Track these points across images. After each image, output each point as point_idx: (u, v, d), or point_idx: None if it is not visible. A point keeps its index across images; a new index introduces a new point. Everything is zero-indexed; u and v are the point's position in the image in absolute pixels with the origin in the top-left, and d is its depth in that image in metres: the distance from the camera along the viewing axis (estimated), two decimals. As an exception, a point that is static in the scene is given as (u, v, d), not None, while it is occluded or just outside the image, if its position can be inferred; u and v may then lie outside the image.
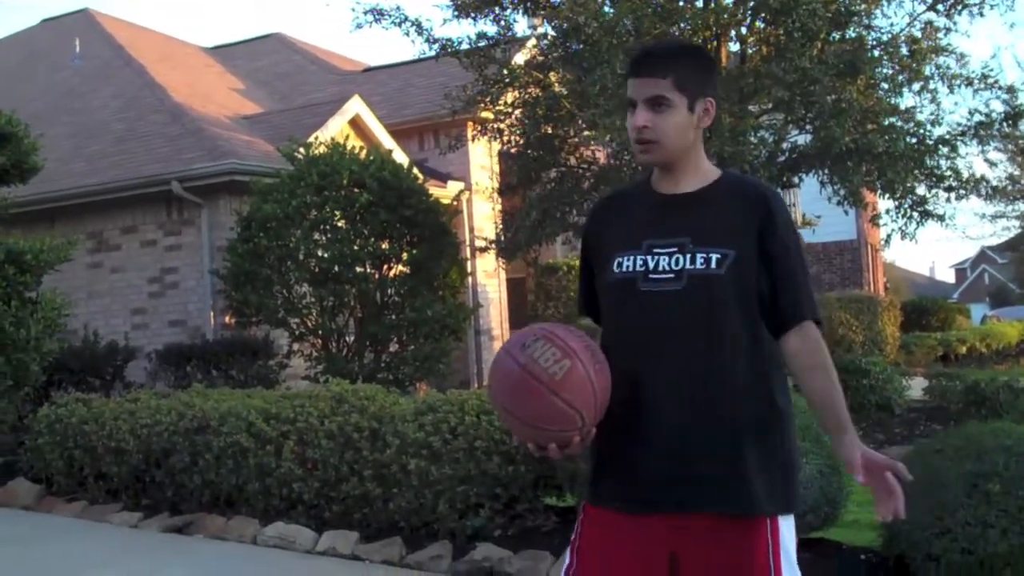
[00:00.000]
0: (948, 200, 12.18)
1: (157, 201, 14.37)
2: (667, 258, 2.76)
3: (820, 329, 2.81)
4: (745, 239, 2.73)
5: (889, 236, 12.47)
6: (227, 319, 13.35)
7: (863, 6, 11.91)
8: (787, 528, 2.74)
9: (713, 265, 2.71)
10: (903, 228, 12.14)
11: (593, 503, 2.87)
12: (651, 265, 2.78)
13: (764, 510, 2.71)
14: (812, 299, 2.78)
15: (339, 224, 11.81)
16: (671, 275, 2.75)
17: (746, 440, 2.70)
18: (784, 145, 12.38)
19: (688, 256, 2.74)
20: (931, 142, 11.75)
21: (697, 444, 2.69)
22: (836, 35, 12.06)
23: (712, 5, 11.99)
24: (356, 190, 11.73)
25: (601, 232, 2.98)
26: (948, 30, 12.25)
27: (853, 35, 12.08)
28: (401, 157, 14.23)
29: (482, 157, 17.54)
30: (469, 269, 14.45)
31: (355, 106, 15.85)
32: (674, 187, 2.87)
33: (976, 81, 12.26)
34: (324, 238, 11.81)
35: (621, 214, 2.96)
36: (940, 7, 12.27)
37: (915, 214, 12.03)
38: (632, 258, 2.81)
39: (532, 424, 2.65)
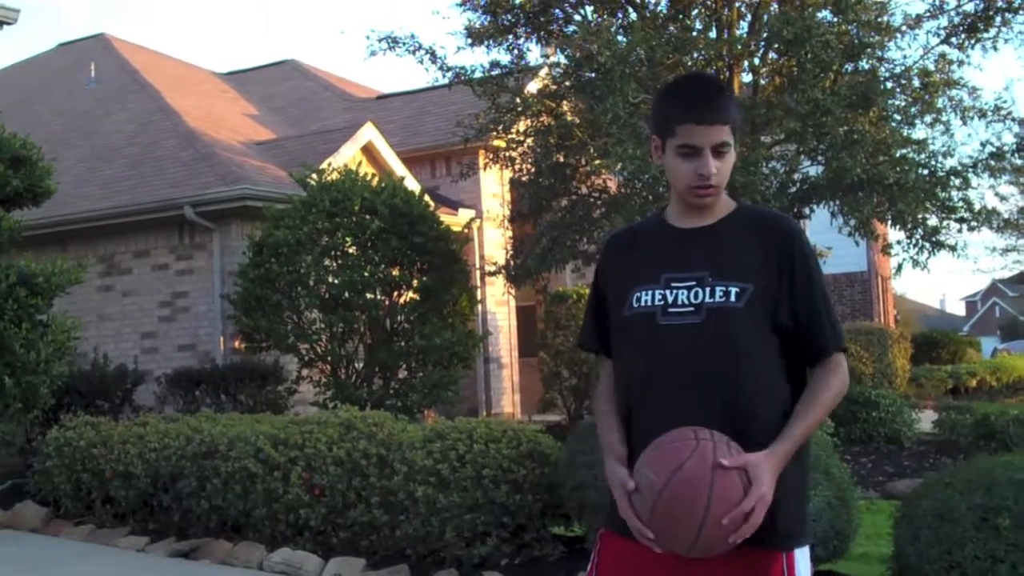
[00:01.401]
0: (960, 231, 12.17)
1: (169, 225, 14.41)
2: (686, 291, 2.75)
3: (843, 356, 2.80)
4: (765, 272, 2.72)
5: (900, 265, 12.45)
6: (237, 344, 13.36)
7: (876, 38, 11.94)
8: (803, 560, 2.72)
9: (732, 299, 2.70)
10: (915, 257, 12.12)
11: (611, 530, 2.86)
12: (670, 299, 2.76)
13: (781, 544, 2.69)
14: (836, 330, 2.77)
15: (350, 250, 11.83)
16: (691, 308, 2.73)
17: (787, 483, 2.68)
18: (795, 176, 12.39)
19: (707, 290, 2.73)
20: (943, 174, 11.74)
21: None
22: (849, 67, 12.09)
23: (725, 36, 12.04)
24: (368, 217, 11.75)
25: (616, 266, 2.97)
26: (961, 63, 12.28)
27: (866, 67, 12.11)
28: (413, 184, 14.26)
29: (494, 185, 17.57)
30: (479, 297, 14.46)
31: (368, 133, 15.90)
32: (692, 221, 2.86)
33: (989, 113, 12.28)
34: (335, 264, 11.83)
35: (637, 248, 2.95)
36: (953, 40, 12.31)
37: (927, 244, 12.02)
38: (651, 292, 2.80)
39: (693, 541, 2.57)
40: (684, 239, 2.84)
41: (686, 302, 2.74)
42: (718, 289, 2.71)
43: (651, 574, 2.76)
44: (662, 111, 2.86)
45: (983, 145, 12.08)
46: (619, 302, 2.88)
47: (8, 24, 12.41)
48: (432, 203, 12.88)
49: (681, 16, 12.79)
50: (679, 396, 2.72)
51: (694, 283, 2.74)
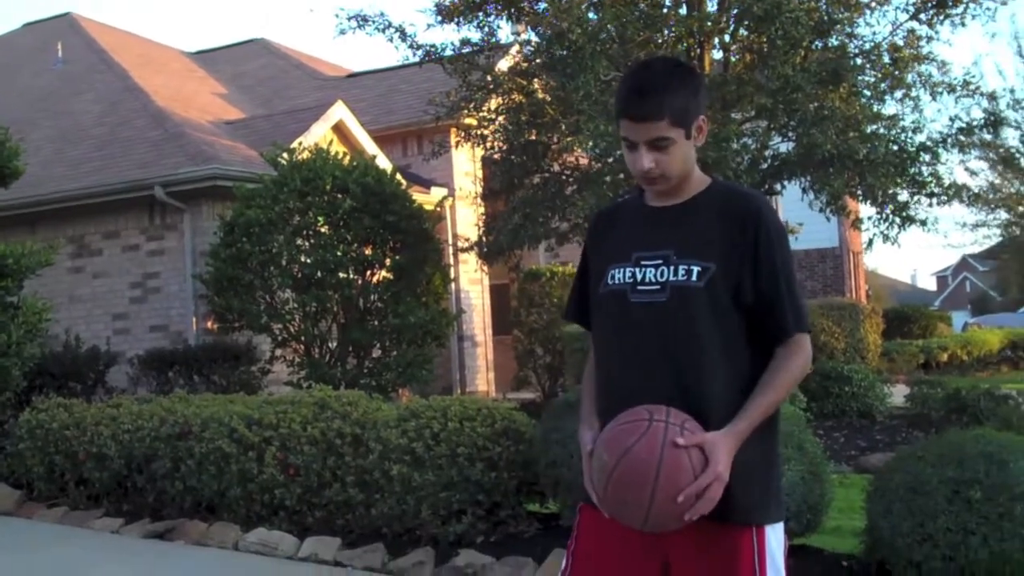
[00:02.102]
0: (930, 206, 12.24)
1: (139, 206, 14.33)
2: (653, 270, 2.78)
3: (807, 337, 2.81)
4: (730, 252, 2.74)
5: (871, 240, 12.52)
6: (209, 324, 13.32)
7: (846, 15, 11.96)
8: (774, 536, 2.75)
9: (693, 278, 2.73)
10: (885, 232, 12.18)
11: (589, 503, 2.88)
12: (639, 277, 2.80)
13: (747, 520, 2.72)
14: (798, 311, 2.77)
15: (322, 230, 11.79)
16: (657, 287, 2.77)
17: (756, 459, 2.73)
18: (766, 152, 12.42)
19: (672, 268, 2.76)
20: (913, 149, 11.80)
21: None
22: (819, 43, 12.13)
23: (696, 12, 12.03)
24: (339, 196, 11.71)
25: (597, 243, 3.02)
26: (930, 39, 12.33)
27: (836, 43, 12.14)
28: (385, 163, 14.20)
29: (466, 163, 17.55)
30: (452, 275, 14.45)
31: (339, 112, 15.83)
32: (665, 199, 2.88)
33: (958, 88, 12.35)
34: (307, 244, 11.79)
35: (614, 227, 2.99)
36: (922, 16, 12.35)
37: (897, 219, 12.08)
38: (623, 270, 2.84)
39: (643, 517, 2.63)
40: (655, 218, 2.88)
41: (653, 280, 2.78)
42: (681, 267, 2.75)
43: (628, 547, 2.81)
44: (615, 104, 2.89)
45: (952, 120, 12.15)
46: (597, 279, 2.94)
47: None
48: (404, 182, 12.84)
49: (652, -7, 12.77)
50: (645, 373, 2.77)
51: (661, 261, 2.78)
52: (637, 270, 2.81)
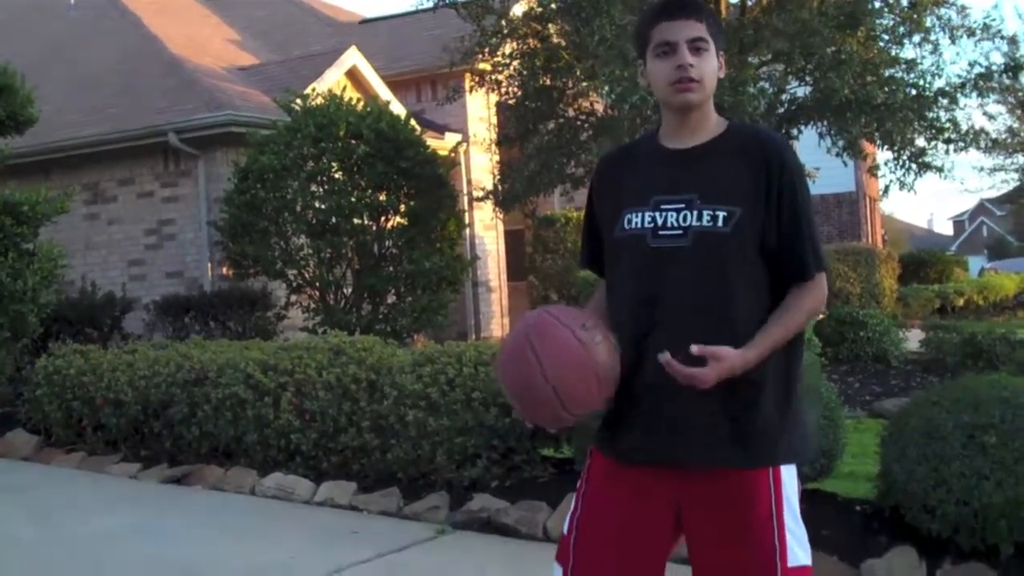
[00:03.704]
0: (947, 152, 12.16)
1: (154, 153, 14.33)
2: (675, 214, 2.74)
3: (824, 275, 2.82)
4: (753, 196, 2.70)
5: (888, 187, 12.48)
6: (224, 271, 13.35)
7: (863, -43, 11.83)
8: (789, 478, 2.74)
9: (720, 223, 2.69)
10: (901, 179, 12.13)
11: (599, 449, 2.89)
12: (659, 221, 2.75)
13: (764, 462, 2.71)
14: (818, 251, 2.75)
15: (336, 176, 11.77)
16: (679, 231, 2.72)
17: (747, 394, 2.69)
18: (783, 96, 12.33)
19: (695, 213, 2.71)
20: (931, 94, 11.70)
21: (696, 398, 2.65)
22: (837, -14, 11.99)
23: (712, -45, 11.91)
24: (353, 142, 11.68)
25: (608, 187, 2.96)
26: (950, -19, 12.19)
27: (854, -14, 12.00)
28: (398, 109, 14.15)
29: (480, 109, 17.47)
30: (467, 221, 14.43)
31: (352, 57, 15.76)
32: (683, 141, 2.83)
33: (978, 31, 12.22)
34: (321, 190, 11.78)
35: (629, 169, 2.93)
36: (942, -42, 12.20)
37: (913, 165, 12.01)
38: (641, 214, 2.79)
39: (559, 404, 2.65)
40: (675, 160, 2.82)
41: (675, 224, 2.73)
42: (705, 213, 2.70)
43: (638, 492, 2.80)
44: (640, 28, 2.87)
45: (971, 65, 12.04)
46: (611, 223, 2.88)
47: None
48: (418, 127, 12.80)
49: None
50: (665, 316, 2.73)
51: (683, 205, 2.73)
52: (657, 214, 2.76)
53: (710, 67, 2.77)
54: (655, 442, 2.74)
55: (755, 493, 2.70)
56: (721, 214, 2.69)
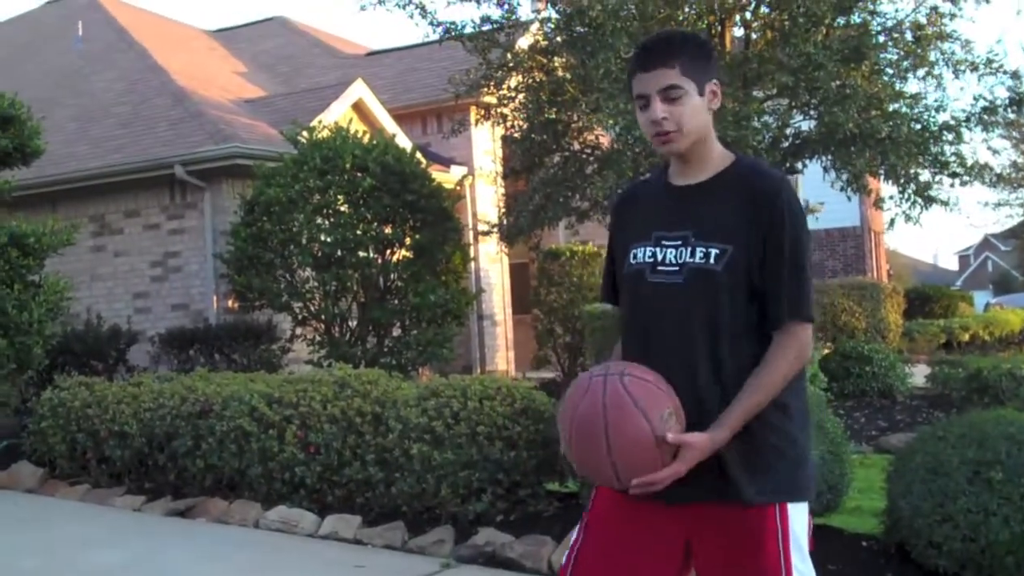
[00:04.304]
0: (952, 186, 12.17)
1: (160, 184, 14.36)
2: (673, 250, 2.78)
3: (807, 326, 2.76)
4: (748, 235, 2.71)
5: (893, 220, 12.46)
6: (230, 303, 13.36)
7: (868, -9, 11.87)
8: (797, 515, 2.75)
9: (711, 260, 2.71)
10: (907, 212, 12.13)
11: None
12: (659, 257, 2.80)
13: (770, 498, 2.72)
14: (797, 300, 2.72)
15: (342, 208, 11.80)
16: (675, 268, 2.77)
17: (754, 432, 2.71)
18: (788, 130, 12.35)
19: (690, 249, 2.75)
20: (935, 128, 11.72)
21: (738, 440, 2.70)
22: (841, 20, 12.04)
23: (716, -10, 11.95)
24: (359, 174, 11.72)
25: (621, 223, 3.01)
26: (953, 16, 12.21)
27: (858, 20, 12.06)
28: (404, 141, 14.20)
29: (485, 142, 17.52)
30: (472, 254, 14.44)
31: (358, 90, 15.82)
32: (686, 177, 2.86)
33: (981, 66, 12.24)
34: (327, 222, 11.80)
35: (637, 206, 2.98)
36: (946, -7, 12.23)
37: (919, 199, 12.02)
38: (644, 249, 2.84)
39: (616, 479, 2.68)
40: (677, 196, 2.86)
41: (672, 261, 2.77)
42: (699, 250, 2.73)
43: (646, 527, 2.81)
44: (627, 77, 2.96)
45: (976, 99, 12.05)
46: (621, 258, 2.94)
47: None
48: (424, 160, 12.84)
49: (673, -30, 12.70)
50: (657, 355, 2.77)
51: (680, 242, 2.77)
52: (658, 250, 2.81)
53: (688, 111, 2.77)
54: None
55: (763, 531, 2.71)
56: (714, 251, 2.72)
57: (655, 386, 2.66)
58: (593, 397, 2.63)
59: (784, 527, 2.71)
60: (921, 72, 12.33)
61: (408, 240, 12.11)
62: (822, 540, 5.83)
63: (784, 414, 2.76)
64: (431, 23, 13.18)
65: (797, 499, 2.77)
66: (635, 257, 2.86)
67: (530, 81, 13.21)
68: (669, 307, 2.76)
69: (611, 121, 11.13)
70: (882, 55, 12.10)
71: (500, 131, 15.16)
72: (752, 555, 2.70)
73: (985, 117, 11.96)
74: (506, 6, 13.02)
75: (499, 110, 13.65)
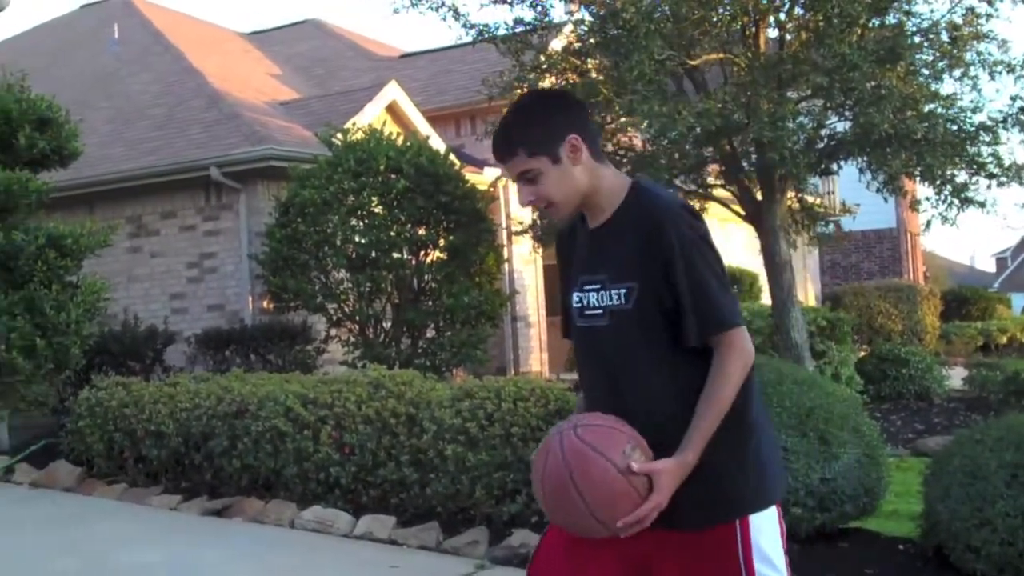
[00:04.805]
0: (989, 187, 12.07)
1: (196, 186, 14.44)
2: (595, 295, 2.84)
3: (735, 333, 2.72)
4: (646, 268, 2.73)
5: (929, 222, 12.38)
6: (265, 304, 13.42)
7: (904, -8, 11.80)
8: (762, 523, 2.74)
9: (623, 300, 2.76)
10: (943, 214, 12.04)
11: None
12: (584, 302, 2.87)
13: (724, 518, 2.72)
14: (711, 312, 2.70)
15: (376, 210, 11.83)
16: (600, 311, 2.82)
17: (724, 458, 2.72)
18: (823, 132, 12.30)
19: (607, 293, 2.80)
20: (971, 129, 11.64)
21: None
22: (876, 21, 11.96)
23: (751, -9, 11.91)
24: (393, 176, 11.75)
25: (562, 264, 3.08)
26: (989, 16, 12.12)
27: (893, 21, 11.97)
28: (438, 143, 14.22)
29: (519, 143, 17.49)
30: (506, 255, 14.45)
31: (392, 92, 15.86)
32: (595, 220, 2.90)
33: (1018, 67, 12.13)
34: (361, 224, 11.83)
35: (571, 250, 3.02)
36: (982, -7, 12.14)
37: (955, 200, 11.93)
38: (576, 295, 2.91)
39: (602, 527, 2.68)
40: (591, 240, 2.91)
41: (595, 304, 2.83)
42: (613, 292, 2.78)
43: (598, 549, 2.82)
44: None
45: (1013, 100, 11.94)
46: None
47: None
48: (457, 162, 12.85)
49: (707, -30, 12.67)
50: (602, 390, 2.84)
51: (599, 286, 2.82)
52: (583, 295, 2.87)
53: (551, 184, 2.81)
54: None
55: (721, 550, 2.72)
56: (623, 291, 2.76)
57: (609, 428, 2.69)
58: (554, 456, 2.67)
59: (745, 541, 2.71)
60: (957, 73, 12.24)
61: (442, 241, 12.14)
62: (858, 544, 5.82)
63: (735, 424, 2.73)
64: (464, 25, 13.19)
65: (758, 508, 2.75)
66: (572, 302, 2.93)
67: (563, 83, 13.19)
68: (601, 348, 2.82)
69: (645, 123, 11.11)
70: (917, 56, 12.02)
71: (534, 132, 15.15)
72: (713, 574, 2.72)
73: (1022, 118, 11.87)
74: (539, 8, 13.02)
75: (532, 112, 13.63)
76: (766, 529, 2.74)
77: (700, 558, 2.72)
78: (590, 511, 2.62)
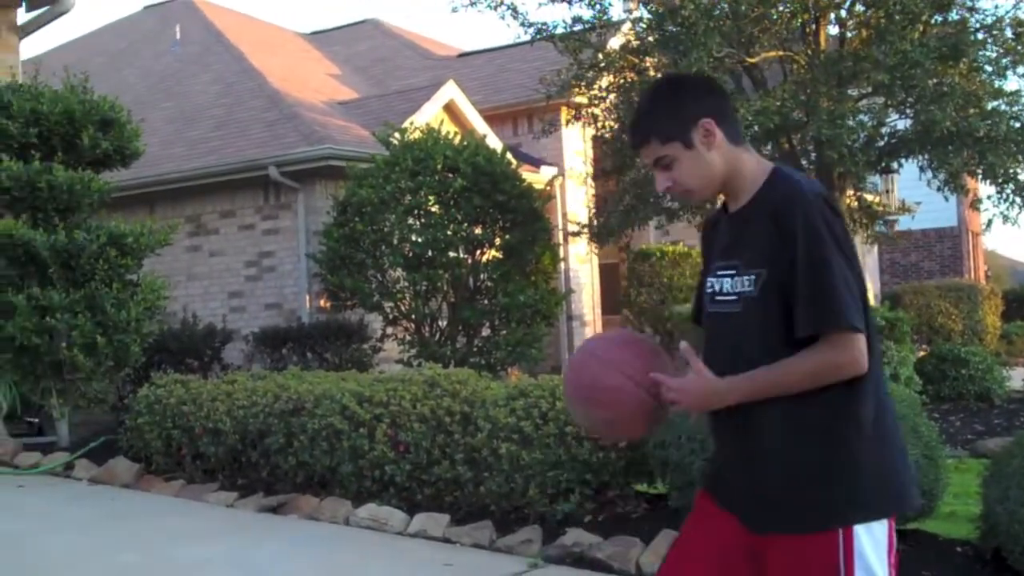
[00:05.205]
0: (1052, 186, 11.90)
1: (255, 185, 14.57)
2: (728, 280, 2.81)
3: (844, 337, 2.61)
4: (773, 255, 2.68)
5: (990, 221, 12.23)
6: (322, 302, 13.49)
7: (967, -12, 11.67)
8: (867, 534, 2.63)
9: (751, 286, 2.72)
10: (1005, 213, 11.90)
11: (704, 490, 2.98)
12: (717, 288, 2.85)
13: (825, 524, 2.64)
14: (822, 310, 2.60)
15: (433, 209, 11.86)
16: (733, 297, 2.78)
17: (791, 458, 2.68)
18: (883, 129, 12.18)
19: (740, 279, 2.76)
20: (1035, 126, 11.48)
21: (745, 465, 2.75)
22: (938, 18, 11.86)
23: (811, -13, 11.82)
24: (450, 175, 11.77)
25: (705, 251, 3.07)
26: (1056, 11, 11.96)
27: (956, 17, 11.86)
28: (495, 142, 14.24)
29: (576, 142, 17.51)
30: (561, 254, 14.44)
31: (449, 91, 15.90)
32: (734, 205, 2.88)
33: (1083, 63, 11.96)
34: (418, 223, 11.87)
35: (714, 239, 3.00)
36: (1048, -12, 11.98)
37: (1017, 199, 11.78)
38: (709, 280, 2.91)
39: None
40: (730, 226, 2.88)
41: (729, 291, 2.80)
42: (745, 278, 2.75)
43: (725, 542, 2.81)
44: None
45: (1077, 97, 11.78)
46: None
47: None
48: (514, 161, 12.86)
49: (766, -32, 12.58)
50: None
51: (733, 272, 2.79)
52: (716, 280, 2.85)
53: (686, 171, 2.83)
54: (721, 492, 2.86)
55: (823, 556, 2.63)
56: (752, 277, 2.73)
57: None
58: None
59: (848, 547, 2.62)
60: (1021, 69, 12.09)
61: (498, 240, 12.14)
62: (916, 546, 5.75)
63: (834, 428, 2.66)
64: (522, 24, 13.22)
65: (864, 519, 2.64)
66: (705, 288, 2.93)
67: (621, 81, 13.18)
68: (728, 335, 2.80)
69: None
70: (981, 52, 11.88)
71: (591, 131, 15.15)
72: None
73: (1086, 115, 11.69)
74: (598, 6, 13.01)
75: (590, 110, 13.64)
76: (870, 541, 2.63)
77: (799, 566, 2.66)
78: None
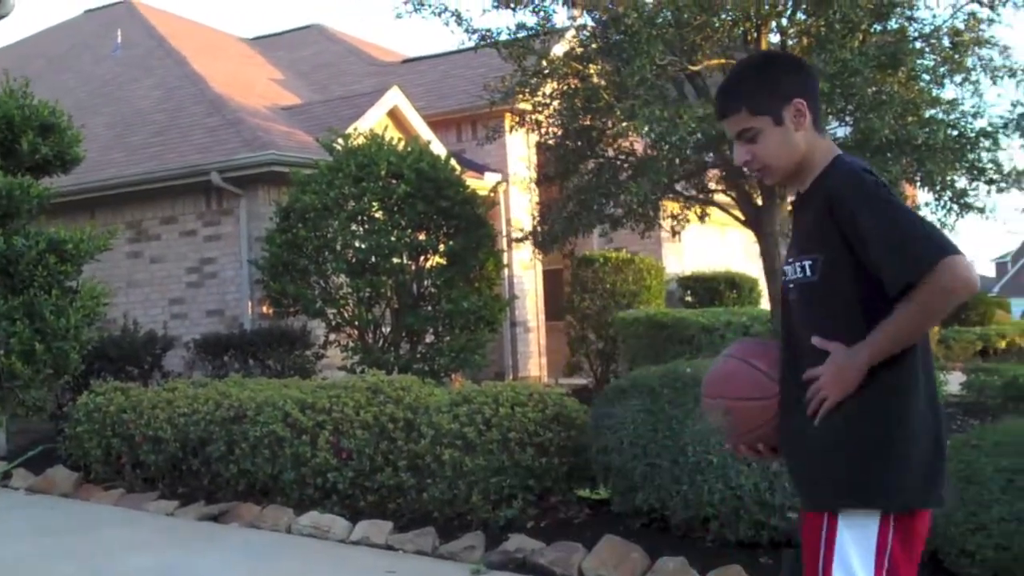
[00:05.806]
0: (989, 193, 12.06)
1: (196, 191, 14.45)
2: (789, 267, 2.85)
3: (937, 267, 2.50)
4: (831, 238, 2.67)
5: (929, 228, 12.37)
6: (265, 309, 13.42)
7: (905, -3, 11.80)
8: (852, 526, 2.60)
9: (808, 272, 2.73)
10: (942, 220, 12.04)
11: None
12: (788, 274, 2.86)
13: (816, 505, 2.69)
14: (904, 260, 2.52)
15: (376, 215, 11.83)
16: (791, 284, 2.83)
17: (828, 438, 2.66)
18: (823, 137, 12.29)
19: (796, 265, 2.79)
20: (972, 134, 11.63)
21: (796, 446, 2.77)
22: (878, 26, 11.97)
23: (752, -4, 11.91)
24: (394, 181, 11.75)
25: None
26: (991, 21, 12.12)
27: (895, 26, 11.98)
28: (439, 148, 14.23)
29: (520, 148, 17.52)
30: (505, 260, 14.44)
31: (393, 97, 15.87)
32: (801, 188, 2.90)
33: (1020, 72, 12.13)
34: (361, 229, 11.83)
35: (793, 220, 3.04)
36: (984, -1, 12.14)
37: (955, 206, 11.93)
38: (784, 268, 2.93)
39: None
40: (794, 212, 2.94)
41: (790, 277, 2.84)
42: (798, 264, 2.78)
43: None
44: None
45: (1014, 105, 11.94)
46: None
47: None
48: (458, 167, 12.85)
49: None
50: (785, 372, 2.82)
51: (792, 258, 2.83)
52: (788, 267, 2.87)
53: (770, 147, 2.82)
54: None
55: (818, 533, 2.66)
56: (808, 263, 2.74)
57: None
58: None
59: (829, 540, 2.61)
60: (958, 78, 12.23)
61: (442, 247, 12.13)
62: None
63: (858, 405, 2.63)
64: (467, 30, 13.19)
65: (850, 506, 2.61)
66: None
67: (565, 88, 13.19)
68: (793, 319, 2.81)
69: (646, 128, 11.10)
70: (919, 61, 12.01)
71: (534, 138, 15.16)
72: (810, 557, 2.69)
73: (1023, 124, 11.86)
74: (541, 13, 13.02)
75: (534, 117, 13.65)
76: (855, 534, 2.59)
77: (809, 536, 2.69)
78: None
